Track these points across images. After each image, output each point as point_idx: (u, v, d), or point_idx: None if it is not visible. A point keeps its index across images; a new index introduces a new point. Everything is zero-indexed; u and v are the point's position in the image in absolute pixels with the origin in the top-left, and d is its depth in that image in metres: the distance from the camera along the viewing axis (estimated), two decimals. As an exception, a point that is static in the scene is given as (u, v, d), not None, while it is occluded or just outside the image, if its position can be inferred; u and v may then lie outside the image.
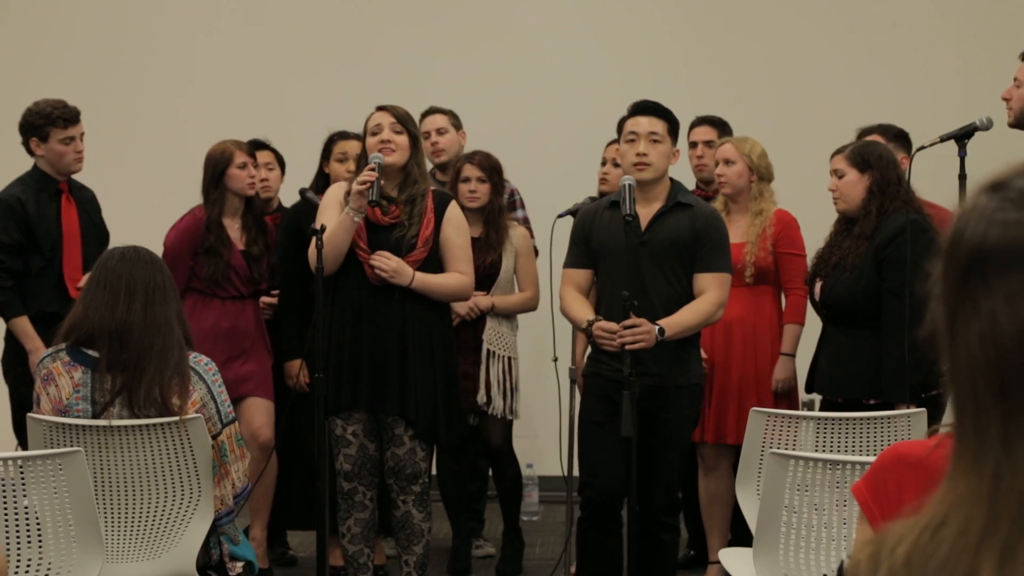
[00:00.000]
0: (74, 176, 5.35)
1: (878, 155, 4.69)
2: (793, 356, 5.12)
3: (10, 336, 5.18)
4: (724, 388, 5.13)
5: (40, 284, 5.12)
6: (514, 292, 5.56)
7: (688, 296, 4.46)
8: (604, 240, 4.49)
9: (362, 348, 4.58)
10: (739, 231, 5.16)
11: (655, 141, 4.46)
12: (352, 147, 5.38)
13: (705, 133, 5.66)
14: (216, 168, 5.29)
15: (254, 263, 5.32)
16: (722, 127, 5.70)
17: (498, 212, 5.48)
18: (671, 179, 4.57)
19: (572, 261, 4.61)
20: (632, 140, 4.49)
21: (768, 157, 5.24)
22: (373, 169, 4.51)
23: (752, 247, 5.09)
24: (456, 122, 5.89)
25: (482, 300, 5.41)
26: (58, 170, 5.24)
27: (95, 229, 5.27)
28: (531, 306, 5.52)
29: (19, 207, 5.12)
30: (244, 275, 5.30)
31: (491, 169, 5.47)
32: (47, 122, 5.18)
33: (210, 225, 5.25)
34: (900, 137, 5.26)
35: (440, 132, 5.79)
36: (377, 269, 4.54)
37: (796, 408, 5.08)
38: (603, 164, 5.67)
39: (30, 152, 5.27)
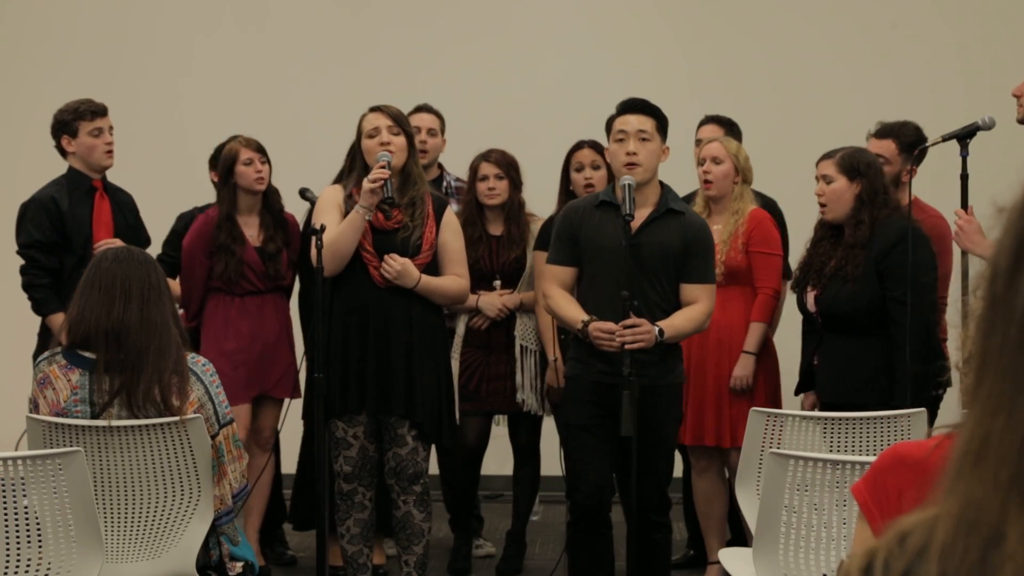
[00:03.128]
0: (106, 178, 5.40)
1: (867, 163, 4.68)
2: (755, 355, 5.08)
3: (43, 333, 5.23)
4: (701, 390, 5.12)
5: (73, 282, 5.14)
6: None
7: (670, 301, 4.45)
8: (593, 238, 4.46)
9: (368, 350, 4.59)
10: (717, 232, 5.16)
11: (644, 139, 4.43)
12: None
13: (712, 131, 5.62)
14: (225, 166, 5.35)
15: (269, 260, 5.34)
16: (730, 126, 5.67)
17: (518, 208, 5.48)
18: (661, 183, 4.55)
19: (557, 257, 4.56)
20: (621, 139, 4.46)
21: (750, 160, 5.24)
22: (384, 167, 4.52)
23: (724, 246, 5.08)
24: (442, 125, 5.86)
25: (509, 299, 5.42)
26: (90, 165, 5.31)
27: (131, 231, 5.30)
28: None
29: (53, 205, 5.21)
30: (259, 271, 5.33)
31: (508, 166, 5.48)
32: (75, 116, 5.27)
33: (221, 222, 5.29)
34: (918, 142, 5.07)
35: (431, 133, 5.74)
36: (383, 271, 4.55)
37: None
38: (579, 170, 5.49)
39: (63, 154, 5.33)
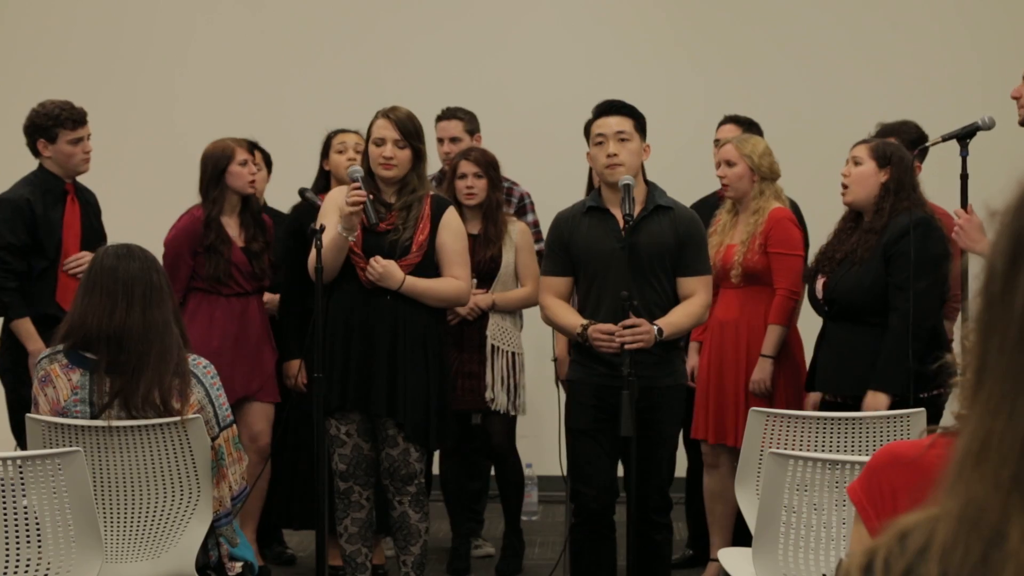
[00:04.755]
0: (79, 178, 5.35)
1: (900, 157, 4.68)
2: (772, 358, 5.04)
3: (8, 337, 5.18)
4: (721, 389, 5.12)
5: (42, 286, 5.13)
6: (515, 287, 5.57)
7: (669, 298, 4.46)
8: (585, 246, 4.48)
9: (351, 349, 4.58)
10: (736, 233, 5.15)
11: (623, 140, 4.44)
12: (350, 139, 5.42)
13: (730, 132, 5.60)
14: (217, 166, 5.27)
15: (255, 259, 5.32)
16: (748, 126, 5.64)
17: (496, 207, 5.48)
18: (647, 181, 4.55)
19: (550, 269, 4.59)
20: (600, 142, 4.47)
21: (772, 155, 5.17)
22: (359, 187, 4.48)
23: (742, 247, 5.07)
24: (471, 127, 5.88)
25: (482, 299, 5.41)
26: (66, 171, 5.25)
27: (94, 233, 5.26)
28: (532, 301, 5.52)
29: (27, 208, 5.12)
30: (246, 271, 5.30)
31: (487, 165, 5.48)
32: (55, 123, 5.17)
33: (210, 223, 5.24)
34: (918, 142, 5.13)
35: (453, 141, 5.80)
36: (368, 273, 4.55)
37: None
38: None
39: (35, 153, 5.26)
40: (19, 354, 5.09)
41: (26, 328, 5.06)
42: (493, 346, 5.45)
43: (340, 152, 5.46)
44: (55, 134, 5.18)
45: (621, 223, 4.38)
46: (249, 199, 5.38)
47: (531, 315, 5.71)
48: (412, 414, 4.59)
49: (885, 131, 5.26)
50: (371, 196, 4.53)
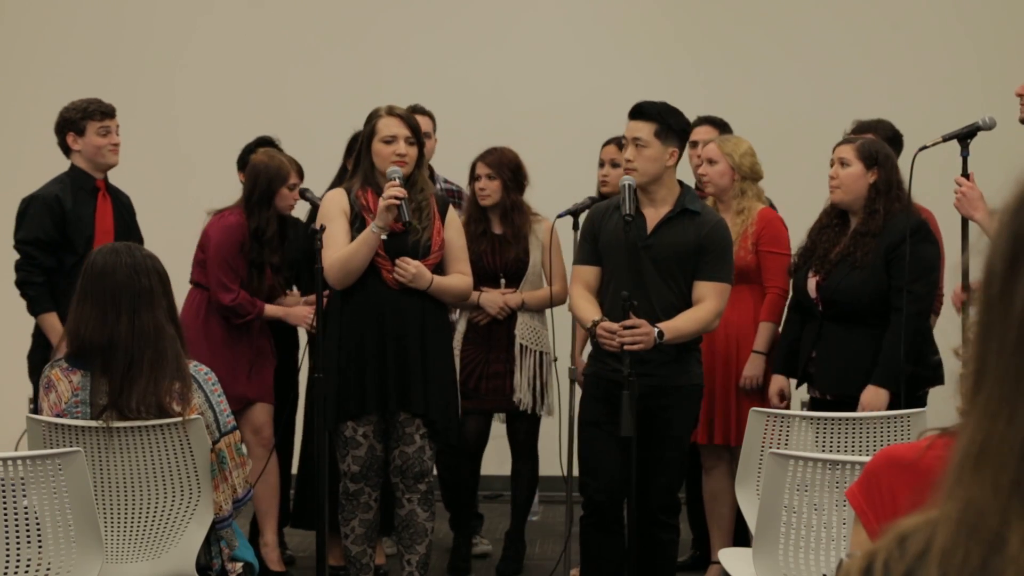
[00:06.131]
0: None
1: (886, 155, 4.74)
2: (765, 354, 5.11)
3: (38, 335, 5.21)
4: (710, 388, 5.12)
5: (72, 282, 5.14)
6: (543, 287, 5.57)
7: (686, 302, 4.46)
8: (609, 240, 4.50)
9: (387, 351, 4.59)
10: None
11: (639, 146, 4.46)
12: None
13: (706, 133, 5.64)
14: (271, 185, 5.24)
15: (276, 273, 5.34)
16: (723, 127, 5.69)
17: (512, 208, 5.49)
18: (680, 183, 4.56)
19: (582, 257, 4.62)
20: (624, 145, 4.54)
21: (755, 156, 5.23)
22: (397, 184, 4.50)
23: (733, 246, 5.10)
24: (434, 126, 5.84)
25: (511, 298, 5.43)
26: (95, 164, 5.29)
27: (128, 232, 5.28)
28: (560, 300, 5.52)
29: (56, 204, 5.17)
30: (268, 284, 5.30)
31: (500, 166, 5.48)
32: (83, 116, 5.25)
33: (260, 239, 5.22)
34: (894, 141, 5.23)
35: (424, 135, 5.76)
36: (397, 275, 4.56)
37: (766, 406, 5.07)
38: (601, 166, 5.64)
39: (66, 152, 5.31)
40: (49, 352, 5.11)
41: (51, 323, 5.10)
42: (522, 346, 5.46)
43: None
44: (83, 126, 5.25)
45: (648, 224, 4.43)
46: (285, 216, 5.37)
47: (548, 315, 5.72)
48: (443, 411, 4.66)
49: (861, 128, 5.32)
50: (410, 202, 4.54)
